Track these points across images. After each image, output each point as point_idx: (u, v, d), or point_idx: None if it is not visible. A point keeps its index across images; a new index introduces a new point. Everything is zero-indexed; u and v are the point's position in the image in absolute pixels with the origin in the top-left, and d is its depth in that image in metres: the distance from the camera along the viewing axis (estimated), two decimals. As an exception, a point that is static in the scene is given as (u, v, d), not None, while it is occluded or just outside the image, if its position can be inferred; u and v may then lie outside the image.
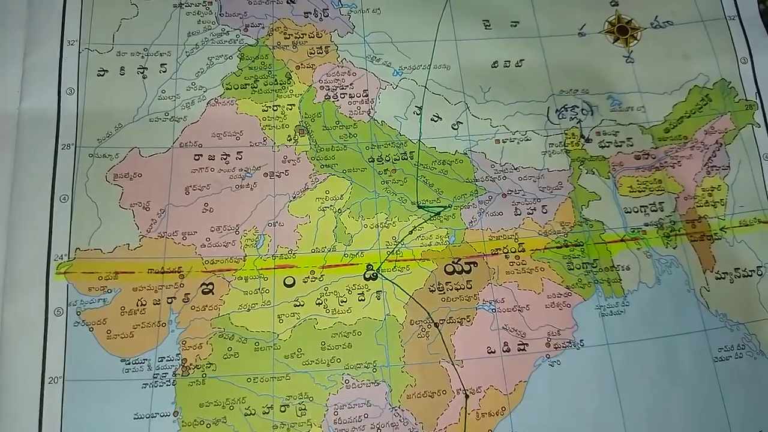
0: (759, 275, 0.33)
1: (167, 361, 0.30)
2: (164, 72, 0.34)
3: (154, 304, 0.31)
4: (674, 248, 0.33)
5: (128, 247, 0.31)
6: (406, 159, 0.34)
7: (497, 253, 0.32)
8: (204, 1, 0.35)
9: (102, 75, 0.34)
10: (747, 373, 0.31)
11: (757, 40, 0.37)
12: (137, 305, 0.30)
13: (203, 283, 0.31)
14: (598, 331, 0.31)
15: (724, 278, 0.33)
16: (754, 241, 0.34)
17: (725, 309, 0.32)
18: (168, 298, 0.31)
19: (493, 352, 0.31)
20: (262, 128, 0.34)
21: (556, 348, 0.31)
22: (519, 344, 0.31)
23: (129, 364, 0.30)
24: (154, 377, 0.29)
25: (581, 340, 0.31)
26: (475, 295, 0.32)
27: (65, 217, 0.31)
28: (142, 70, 0.34)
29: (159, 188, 0.32)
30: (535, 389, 0.30)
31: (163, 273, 0.31)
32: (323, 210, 0.33)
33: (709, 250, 0.33)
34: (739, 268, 0.33)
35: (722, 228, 0.34)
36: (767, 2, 0.38)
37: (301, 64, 0.35)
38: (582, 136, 0.35)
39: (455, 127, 0.34)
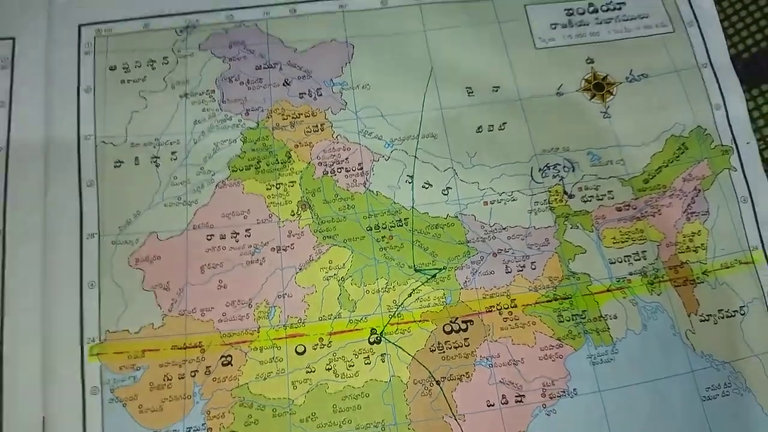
0: (742, 314, 0.35)
1: (194, 431, 0.33)
2: (175, 159, 0.37)
3: (179, 378, 0.33)
4: (659, 294, 0.35)
5: (153, 326, 0.34)
6: (402, 225, 0.36)
7: (491, 311, 0.35)
8: (207, 90, 0.38)
9: (118, 166, 0.37)
10: (734, 410, 0.33)
11: (730, 86, 0.39)
12: (164, 380, 0.33)
13: (222, 356, 0.34)
14: (590, 379, 0.34)
15: (708, 320, 0.35)
16: (735, 282, 0.35)
17: (711, 350, 0.34)
18: (191, 371, 0.33)
19: (493, 405, 0.33)
20: (267, 206, 0.36)
21: (551, 398, 0.33)
22: (516, 396, 0.33)
23: (161, 436, 0.33)
24: (183, 447, 0.32)
25: (574, 389, 0.33)
26: (472, 352, 0.34)
27: (94, 302, 0.34)
28: (155, 159, 0.37)
29: (177, 269, 0.35)
30: (534, 438, 0.33)
31: (185, 348, 0.34)
32: (327, 279, 0.35)
33: (693, 294, 0.35)
34: (722, 310, 0.35)
35: (704, 272, 0.36)
36: (738, 47, 0.40)
37: (300, 143, 0.37)
38: (565, 193, 0.37)
39: (445, 192, 0.37)
